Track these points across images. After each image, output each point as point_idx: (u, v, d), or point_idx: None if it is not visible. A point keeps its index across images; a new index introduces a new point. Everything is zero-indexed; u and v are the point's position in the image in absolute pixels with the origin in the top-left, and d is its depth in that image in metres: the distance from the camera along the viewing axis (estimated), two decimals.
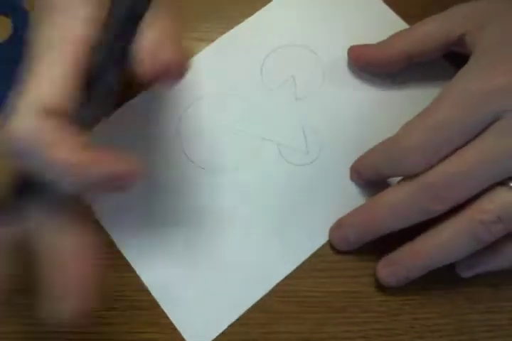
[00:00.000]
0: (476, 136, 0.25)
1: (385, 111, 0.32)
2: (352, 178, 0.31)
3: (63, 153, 0.19)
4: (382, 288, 0.28)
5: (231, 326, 0.28)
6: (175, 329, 0.28)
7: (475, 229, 0.24)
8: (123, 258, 0.30)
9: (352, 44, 0.33)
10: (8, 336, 0.28)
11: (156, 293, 0.29)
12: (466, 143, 0.25)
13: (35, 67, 0.21)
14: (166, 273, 0.29)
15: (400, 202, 0.26)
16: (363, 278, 0.29)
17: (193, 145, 0.32)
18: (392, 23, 0.34)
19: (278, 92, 0.33)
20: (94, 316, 0.29)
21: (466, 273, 0.28)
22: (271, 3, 0.35)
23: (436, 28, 0.30)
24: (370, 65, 0.32)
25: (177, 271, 0.29)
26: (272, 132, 0.32)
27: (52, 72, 0.20)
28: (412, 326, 0.29)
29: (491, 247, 0.26)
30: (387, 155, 0.27)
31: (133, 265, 0.29)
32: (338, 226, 0.29)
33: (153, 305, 0.29)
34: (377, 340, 0.28)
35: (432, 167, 0.25)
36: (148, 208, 0.30)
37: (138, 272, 0.29)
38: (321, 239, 0.30)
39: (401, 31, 0.31)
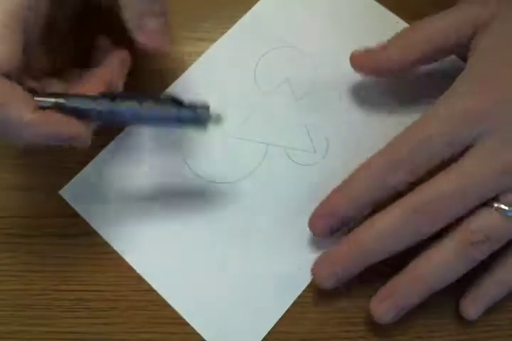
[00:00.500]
0: (464, 150, 0.26)
1: (386, 103, 0.32)
2: (316, 227, 0.28)
3: (16, 112, 0.23)
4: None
5: None
6: (175, 329, 0.29)
7: (467, 250, 0.25)
8: (123, 258, 0.30)
9: (342, 41, 0.33)
10: (8, 336, 0.28)
11: (185, 313, 0.29)
12: (453, 156, 0.26)
13: None
14: (191, 292, 0.29)
15: (391, 226, 0.26)
16: (363, 278, 0.29)
17: (196, 157, 0.31)
18: (381, 17, 0.34)
19: (276, 95, 0.33)
20: (95, 316, 0.29)
21: (473, 313, 0.27)
22: (253, 9, 0.34)
23: (446, 28, 0.29)
24: (377, 74, 0.31)
25: (202, 287, 0.29)
26: (276, 136, 0.32)
27: None
28: (411, 326, 0.29)
29: (490, 276, 0.27)
30: (376, 168, 0.27)
31: (160, 292, 0.29)
32: (323, 261, 0.28)
33: (153, 305, 0.29)
34: (377, 340, 0.28)
35: (418, 181, 0.26)
36: (160, 222, 0.30)
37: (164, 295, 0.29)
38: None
39: (406, 32, 0.29)
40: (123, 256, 0.30)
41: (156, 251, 0.30)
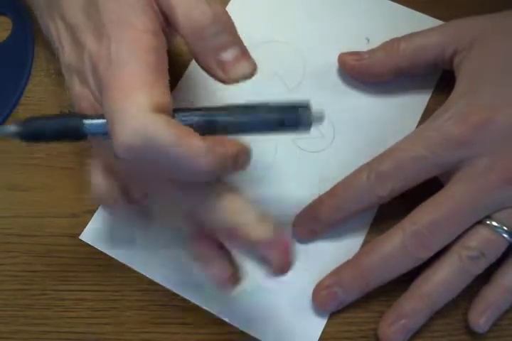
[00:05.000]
0: (447, 172, 0.27)
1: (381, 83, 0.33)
2: (300, 233, 0.29)
3: (194, 141, 0.19)
4: (382, 288, 0.28)
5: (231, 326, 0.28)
6: (175, 329, 0.29)
7: (466, 266, 0.26)
8: None
9: (321, 23, 0.34)
10: (8, 336, 0.29)
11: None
12: (435, 177, 0.28)
13: (114, 80, 0.20)
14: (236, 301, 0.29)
15: (390, 253, 0.27)
16: None
17: None
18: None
19: (269, 90, 0.32)
20: (95, 316, 0.29)
21: (484, 325, 0.27)
22: (229, 4, 0.35)
23: (428, 45, 0.30)
24: (362, 77, 0.32)
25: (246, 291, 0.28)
26: None
27: (144, 78, 0.20)
28: None
29: (495, 286, 0.27)
30: (360, 180, 0.28)
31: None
32: (324, 287, 0.28)
33: (153, 305, 0.29)
34: (377, 340, 0.28)
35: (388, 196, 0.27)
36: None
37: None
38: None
39: (393, 42, 0.31)
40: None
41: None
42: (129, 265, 0.30)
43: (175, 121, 0.20)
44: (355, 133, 0.32)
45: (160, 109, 0.20)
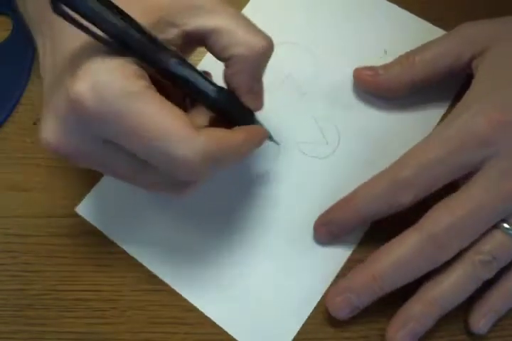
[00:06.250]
0: (466, 175, 0.26)
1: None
2: (320, 234, 0.29)
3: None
4: None
5: None
6: (175, 329, 0.29)
7: (477, 270, 0.26)
8: (122, 258, 0.30)
9: (341, 33, 0.34)
10: (8, 336, 0.29)
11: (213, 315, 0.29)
12: (455, 180, 0.27)
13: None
14: (218, 295, 0.29)
15: (406, 256, 0.26)
16: None
17: None
18: (377, 6, 0.34)
19: (281, 91, 0.33)
20: (95, 316, 0.29)
21: (483, 326, 0.27)
22: (246, 7, 0.35)
23: (445, 53, 0.29)
24: (378, 92, 0.32)
25: (226, 288, 0.29)
26: (286, 133, 0.32)
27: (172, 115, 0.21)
28: None
29: (497, 289, 0.27)
30: (381, 187, 0.27)
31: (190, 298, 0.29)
32: (337, 294, 0.27)
33: (153, 305, 0.29)
34: (377, 340, 0.28)
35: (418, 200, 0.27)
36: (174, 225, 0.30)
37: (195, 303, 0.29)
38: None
39: (407, 56, 0.30)
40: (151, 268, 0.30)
41: (171, 252, 0.30)
42: (119, 243, 0.30)
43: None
44: (360, 144, 0.31)
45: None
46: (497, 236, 0.26)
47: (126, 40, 0.21)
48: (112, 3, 0.21)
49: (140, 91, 0.21)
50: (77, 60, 0.21)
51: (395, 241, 0.27)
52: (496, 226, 0.26)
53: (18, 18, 0.34)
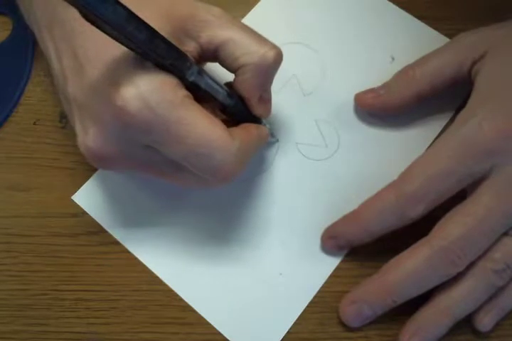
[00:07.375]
0: (473, 183, 0.26)
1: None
2: (327, 247, 0.29)
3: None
4: None
5: None
6: (175, 329, 0.29)
7: (490, 278, 0.26)
8: (122, 258, 0.30)
9: (348, 36, 0.34)
10: (8, 336, 0.29)
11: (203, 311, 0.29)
12: (462, 190, 0.26)
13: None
14: (208, 290, 0.29)
15: (418, 270, 0.26)
16: (363, 279, 0.29)
17: None
18: (383, 9, 0.34)
19: (284, 91, 0.33)
20: (95, 316, 0.29)
21: (488, 324, 0.27)
22: (255, 9, 0.35)
23: (447, 63, 0.29)
24: (382, 111, 0.31)
25: (218, 286, 0.29)
26: (286, 133, 0.32)
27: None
28: None
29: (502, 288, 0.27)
30: (389, 201, 0.27)
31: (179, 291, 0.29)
32: (350, 302, 0.28)
33: (153, 305, 0.29)
34: (377, 340, 0.28)
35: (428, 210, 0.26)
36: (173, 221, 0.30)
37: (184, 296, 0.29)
38: None
39: (407, 70, 0.30)
40: (148, 265, 0.30)
41: (170, 251, 0.30)
42: (114, 235, 0.30)
43: None
44: (359, 149, 0.31)
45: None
46: (508, 244, 0.26)
47: (156, 51, 0.21)
48: (135, 14, 0.20)
49: (183, 101, 0.22)
50: (115, 68, 0.22)
51: (406, 253, 0.26)
52: (506, 233, 0.26)
53: (18, 18, 0.34)
